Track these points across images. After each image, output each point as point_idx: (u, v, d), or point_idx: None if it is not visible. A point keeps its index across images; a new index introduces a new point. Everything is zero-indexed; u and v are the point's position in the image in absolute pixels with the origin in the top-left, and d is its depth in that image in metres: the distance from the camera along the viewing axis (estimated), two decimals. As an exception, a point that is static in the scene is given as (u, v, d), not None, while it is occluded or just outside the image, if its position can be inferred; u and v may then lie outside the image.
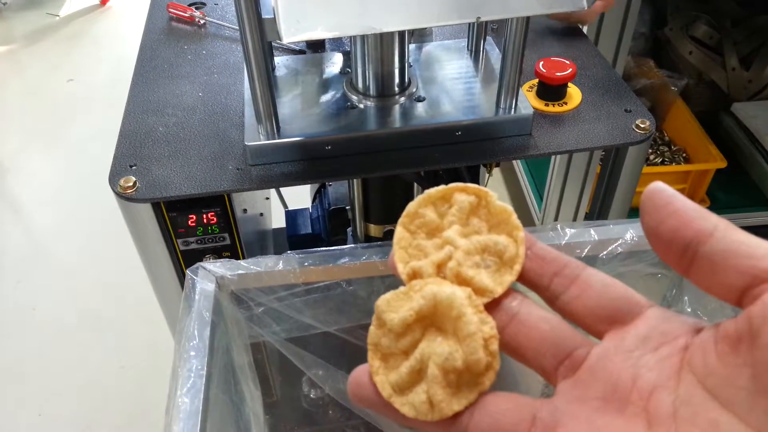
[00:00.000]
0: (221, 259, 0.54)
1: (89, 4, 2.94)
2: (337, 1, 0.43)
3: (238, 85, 0.78)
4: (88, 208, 1.87)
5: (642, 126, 0.69)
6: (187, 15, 0.89)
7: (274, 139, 0.64)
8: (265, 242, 1.08)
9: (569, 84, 0.74)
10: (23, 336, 1.56)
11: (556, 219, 1.42)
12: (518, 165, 1.79)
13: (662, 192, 0.23)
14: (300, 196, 1.18)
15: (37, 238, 1.84)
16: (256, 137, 0.65)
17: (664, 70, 1.67)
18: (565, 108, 0.72)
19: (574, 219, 1.42)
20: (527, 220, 1.69)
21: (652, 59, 1.69)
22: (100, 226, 1.78)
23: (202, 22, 0.89)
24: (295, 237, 1.05)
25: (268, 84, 0.60)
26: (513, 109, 0.68)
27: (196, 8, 0.92)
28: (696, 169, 1.48)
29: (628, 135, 0.69)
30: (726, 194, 1.55)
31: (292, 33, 0.42)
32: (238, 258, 0.68)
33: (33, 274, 1.72)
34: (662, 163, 1.61)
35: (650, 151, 1.64)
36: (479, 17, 0.44)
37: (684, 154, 1.62)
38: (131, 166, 0.66)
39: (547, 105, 0.73)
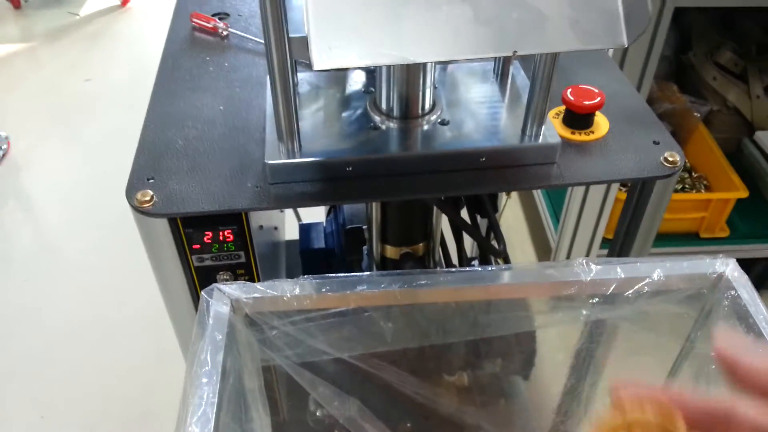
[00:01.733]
0: (237, 282, 0.53)
1: (110, 4, 2.96)
2: (371, 30, 0.42)
3: (259, 100, 0.77)
4: (99, 208, 1.87)
5: (671, 160, 0.67)
6: (210, 26, 0.88)
7: (295, 158, 0.63)
8: (277, 255, 1.07)
9: (597, 112, 0.73)
10: (28, 336, 1.56)
11: (572, 243, 1.40)
12: (534, 184, 1.77)
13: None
14: (314, 209, 1.18)
15: (47, 237, 1.84)
16: (276, 155, 0.64)
17: (687, 95, 1.66)
18: (591, 137, 0.71)
19: (591, 242, 1.40)
20: (543, 243, 1.67)
21: (675, 84, 1.67)
22: (110, 227, 1.78)
23: (225, 33, 0.88)
24: (308, 251, 1.04)
25: (292, 103, 0.59)
26: (539, 137, 0.66)
27: (220, 19, 0.91)
28: (716, 197, 1.46)
29: (656, 168, 0.67)
30: (746, 224, 1.53)
31: (324, 61, 0.41)
32: (252, 276, 0.67)
33: (41, 273, 1.72)
34: (682, 189, 1.58)
35: (669, 176, 1.62)
36: (516, 51, 0.43)
37: (705, 182, 1.60)
38: (149, 179, 0.65)
39: (573, 133, 0.71)
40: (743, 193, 1.42)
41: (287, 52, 0.55)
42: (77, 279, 1.70)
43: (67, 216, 1.89)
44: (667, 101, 1.64)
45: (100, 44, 2.70)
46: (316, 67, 0.42)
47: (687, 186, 1.59)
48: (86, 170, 2.05)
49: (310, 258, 1.04)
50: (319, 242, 1.04)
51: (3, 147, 2.11)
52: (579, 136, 0.71)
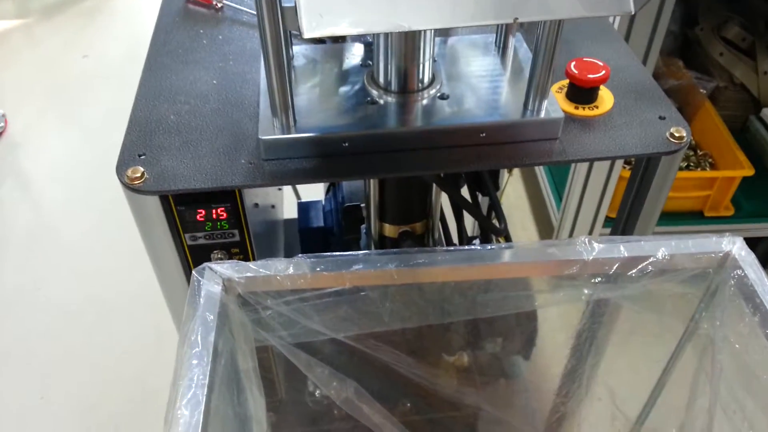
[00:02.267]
0: (229, 261, 0.51)
1: (108, -21, 2.91)
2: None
3: (254, 74, 0.75)
4: (98, 187, 1.86)
5: (677, 135, 0.65)
6: (204, -2, 0.86)
7: (290, 133, 0.61)
8: (275, 234, 1.06)
9: (601, 86, 0.70)
10: (26, 317, 1.55)
11: (575, 221, 1.38)
12: (536, 162, 1.75)
13: None
14: (313, 186, 1.16)
15: (45, 217, 1.82)
16: (270, 131, 0.62)
17: (693, 71, 1.63)
18: (595, 112, 0.69)
19: (594, 221, 1.39)
20: (545, 221, 1.65)
21: (681, 59, 1.64)
22: (109, 206, 1.76)
23: (219, 5, 0.86)
24: (306, 230, 1.03)
25: (286, 76, 0.57)
26: (541, 112, 0.64)
27: (214, -10, 0.89)
28: (722, 176, 1.44)
29: (662, 144, 0.65)
30: (751, 202, 1.50)
31: (313, 28, 0.39)
32: (247, 255, 0.66)
33: (39, 253, 1.71)
34: (687, 167, 1.56)
35: (674, 154, 1.60)
36: (517, 18, 0.40)
37: (710, 159, 1.58)
38: (140, 156, 0.64)
39: (577, 108, 0.69)
40: (749, 171, 1.40)
41: (280, 23, 0.53)
42: (75, 259, 1.69)
43: (66, 195, 1.88)
44: (673, 77, 1.61)
45: (97, 20, 2.66)
46: (306, 35, 0.40)
47: (692, 164, 1.57)
48: (84, 148, 2.03)
49: (309, 236, 1.03)
50: (318, 221, 1.03)
51: (0, 124, 2.09)
52: (583, 111, 0.69)
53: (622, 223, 0.75)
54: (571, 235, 1.42)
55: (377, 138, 0.63)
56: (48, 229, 1.78)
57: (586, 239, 0.53)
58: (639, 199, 0.72)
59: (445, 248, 0.52)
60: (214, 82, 0.74)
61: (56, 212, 1.83)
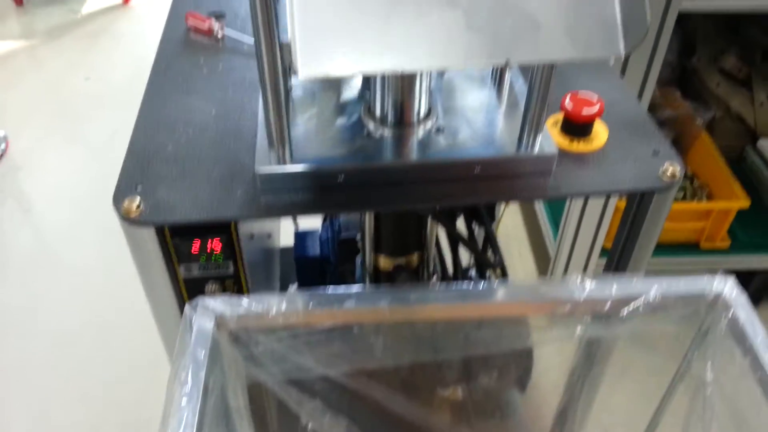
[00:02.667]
0: (222, 296, 0.51)
1: (112, 2, 2.95)
2: (359, 37, 0.41)
3: (252, 103, 0.76)
4: (99, 210, 1.85)
5: (670, 172, 0.66)
6: (205, 27, 0.87)
7: (286, 163, 0.62)
8: (271, 261, 1.06)
9: (596, 120, 0.71)
10: (23, 340, 1.54)
11: (571, 251, 1.38)
12: (534, 190, 1.75)
13: None
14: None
15: (45, 239, 1.82)
16: (267, 162, 0.62)
17: (690, 101, 1.64)
18: (590, 147, 0.69)
19: (591, 251, 1.39)
20: (542, 250, 1.65)
21: (678, 89, 1.65)
22: (110, 230, 1.75)
23: (220, 36, 0.87)
24: (302, 259, 1.03)
25: (284, 110, 0.58)
26: (536, 147, 0.65)
27: (216, 18, 0.90)
28: (717, 208, 1.44)
29: (655, 180, 0.66)
30: (747, 234, 1.50)
31: (308, 69, 0.40)
32: (241, 287, 0.66)
33: (38, 275, 1.71)
34: (684, 197, 1.57)
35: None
36: (509, 59, 0.41)
37: (706, 190, 1.58)
38: (137, 186, 0.64)
39: (572, 141, 0.70)
40: (744, 204, 1.40)
41: (278, 58, 0.54)
42: (75, 282, 1.69)
43: (66, 217, 1.88)
44: (670, 107, 1.62)
45: (101, 43, 2.69)
46: (301, 76, 0.40)
47: (688, 194, 1.58)
48: (85, 171, 2.03)
49: (305, 266, 1.03)
50: (314, 250, 1.03)
51: (2, 146, 2.10)
52: (577, 145, 0.69)
53: (616, 258, 0.75)
54: (567, 265, 1.41)
55: (373, 171, 0.63)
56: (48, 251, 1.78)
57: (579, 278, 0.53)
58: (633, 234, 0.72)
59: (438, 286, 0.52)
60: (213, 111, 0.74)
61: (56, 235, 1.83)
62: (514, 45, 0.41)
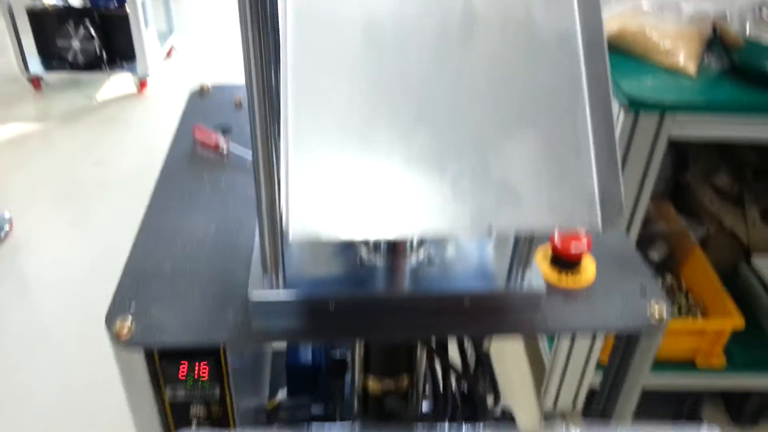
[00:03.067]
0: (205, 428, 0.51)
1: (127, 91, 3.06)
2: (349, 206, 0.43)
3: (251, 220, 0.78)
4: (95, 300, 1.85)
5: (657, 314, 0.67)
6: (211, 143, 0.90)
7: (279, 293, 0.63)
8: (261, 367, 1.05)
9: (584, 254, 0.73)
10: (10, 424, 1.51)
11: (566, 363, 1.37)
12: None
13: None
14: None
15: (40, 324, 1.82)
16: (260, 286, 0.63)
17: (684, 215, 1.67)
18: (578, 283, 0.70)
19: (585, 365, 1.37)
20: (538, 361, 1.64)
21: (672, 202, 1.68)
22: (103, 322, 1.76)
23: (225, 151, 0.90)
24: (294, 367, 1.02)
25: (279, 238, 0.60)
26: (524, 282, 0.66)
27: (222, 133, 0.93)
28: (711, 328, 1.44)
29: (642, 320, 0.66)
30: (744, 353, 1.49)
31: (299, 235, 0.42)
32: (227, 412, 0.66)
33: (31, 360, 1.69)
34: (678, 312, 1.57)
35: (666, 297, 1.61)
36: (491, 227, 0.43)
37: (700, 306, 1.59)
38: (130, 304, 0.65)
39: (561, 275, 0.71)
40: (739, 323, 1.40)
41: (276, 189, 0.56)
42: (66, 370, 1.67)
43: (63, 305, 1.87)
44: (664, 222, 1.65)
45: (113, 130, 2.77)
46: (291, 240, 0.42)
47: (683, 310, 1.58)
48: (87, 258, 2.05)
49: (296, 374, 1.02)
50: (306, 357, 1.03)
51: (5, 228, 2.13)
52: (566, 280, 0.71)
53: (605, 395, 0.74)
54: (562, 378, 1.40)
55: (364, 301, 0.65)
56: (41, 336, 1.77)
57: (565, 426, 0.53)
58: (622, 368, 0.73)
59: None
60: (213, 228, 0.76)
61: (52, 322, 1.82)
62: (496, 214, 0.43)
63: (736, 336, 1.44)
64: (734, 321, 1.41)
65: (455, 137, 0.46)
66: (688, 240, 1.63)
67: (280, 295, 0.63)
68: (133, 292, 0.67)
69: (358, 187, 0.43)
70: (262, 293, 0.63)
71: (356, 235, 0.43)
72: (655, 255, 1.65)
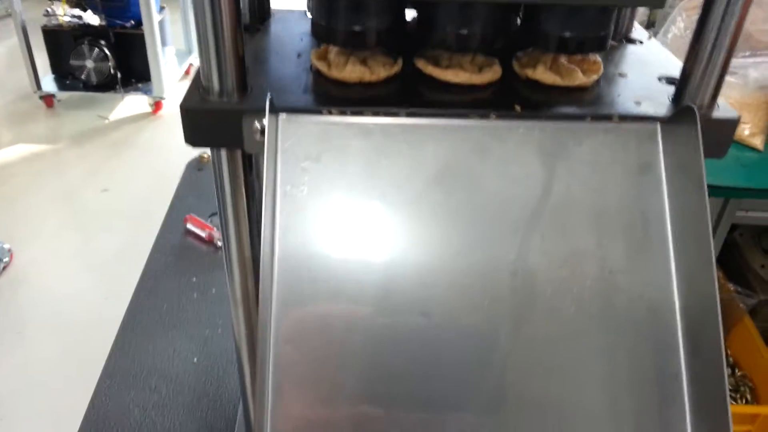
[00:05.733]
0: None
1: (141, 110, 2.96)
2: None
3: (244, 342, 0.65)
4: (92, 341, 1.75)
5: None
6: (204, 235, 0.78)
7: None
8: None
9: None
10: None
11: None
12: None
13: None
14: None
15: (32, 371, 1.71)
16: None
17: (733, 282, 1.52)
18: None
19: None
20: None
21: (720, 268, 1.54)
22: (99, 362, 1.65)
23: (219, 244, 0.78)
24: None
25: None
26: None
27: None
28: (765, 413, 1.29)
29: None
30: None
31: None
32: None
33: (18, 412, 1.58)
34: (725, 391, 1.42)
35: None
36: None
37: (749, 383, 1.44)
38: (87, 471, 0.53)
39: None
40: (797, 412, 1.26)
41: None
42: (57, 418, 1.56)
43: (59, 347, 1.76)
44: (711, 289, 1.50)
45: (124, 153, 2.67)
46: None
47: (730, 387, 1.43)
48: (84, 295, 1.93)
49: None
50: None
51: (4, 260, 2.03)
52: None
53: None
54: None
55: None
56: (32, 384, 1.67)
57: None
58: None
59: None
60: (195, 360, 0.64)
61: (44, 366, 1.72)
62: None
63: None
64: (790, 409, 1.26)
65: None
66: (737, 309, 1.48)
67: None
68: (92, 452, 0.55)
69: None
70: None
71: None
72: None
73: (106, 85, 2.82)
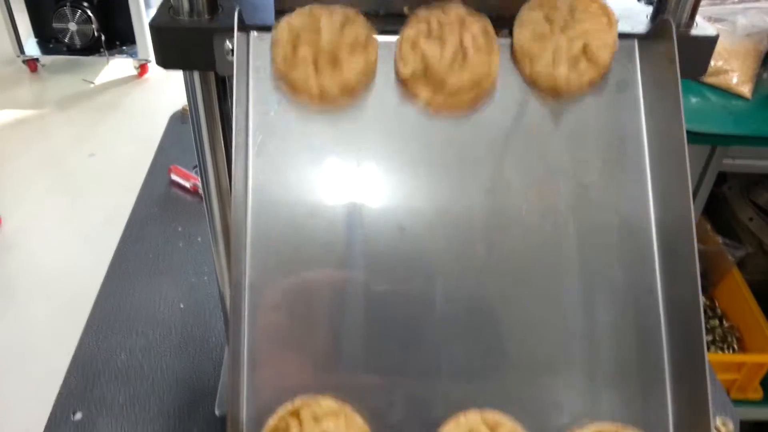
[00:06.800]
0: None
1: (126, 73, 2.91)
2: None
3: (230, 289, 0.65)
4: (84, 303, 1.75)
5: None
6: (189, 185, 0.78)
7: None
8: None
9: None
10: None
11: None
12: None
13: None
14: None
15: (25, 335, 1.71)
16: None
17: (721, 235, 1.53)
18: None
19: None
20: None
21: (708, 220, 1.54)
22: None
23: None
24: None
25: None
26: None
27: (204, 168, 0.80)
28: (750, 360, 1.31)
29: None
30: (782, 386, 1.37)
31: None
32: None
33: (11, 380, 1.59)
34: (713, 341, 1.44)
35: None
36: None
37: (737, 334, 1.45)
38: (74, 412, 0.53)
39: None
40: (780, 359, 1.27)
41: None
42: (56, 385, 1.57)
43: (49, 309, 1.77)
44: (700, 241, 1.50)
45: (110, 116, 2.64)
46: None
47: (718, 337, 1.45)
48: (74, 259, 1.94)
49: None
50: None
51: (-6, 225, 2.02)
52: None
53: None
54: None
55: None
56: (26, 349, 1.67)
57: None
58: None
59: None
60: (181, 305, 0.64)
61: (37, 329, 1.72)
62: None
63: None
64: (775, 356, 1.28)
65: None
66: (725, 261, 1.49)
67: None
68: (80, 394, 0.55)
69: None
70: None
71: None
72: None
73: (91, 48, 2.76)
